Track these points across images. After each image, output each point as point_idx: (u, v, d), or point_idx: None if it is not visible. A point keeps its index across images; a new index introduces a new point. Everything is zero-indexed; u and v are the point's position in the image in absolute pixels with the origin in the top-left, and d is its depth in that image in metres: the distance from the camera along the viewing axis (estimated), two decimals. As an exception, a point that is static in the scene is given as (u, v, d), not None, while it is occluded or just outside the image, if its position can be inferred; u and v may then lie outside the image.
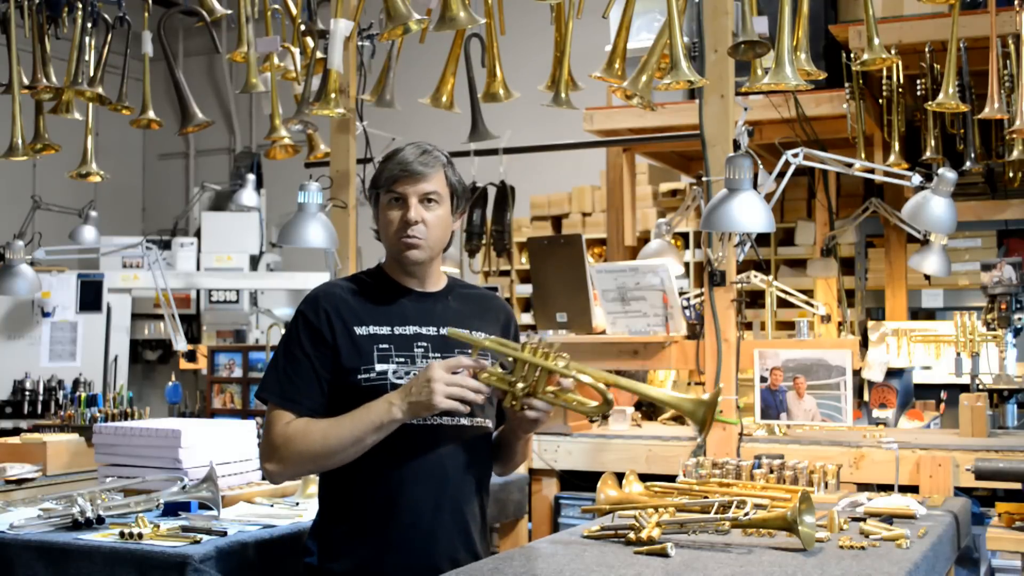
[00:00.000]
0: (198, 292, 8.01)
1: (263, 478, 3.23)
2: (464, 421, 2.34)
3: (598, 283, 4.15)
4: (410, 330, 2.36)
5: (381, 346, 2.32)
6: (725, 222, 3.08)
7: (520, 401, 2.25)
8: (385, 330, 2.34)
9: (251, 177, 8.12)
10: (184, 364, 7.17)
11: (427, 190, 2.36)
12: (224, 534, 2.50)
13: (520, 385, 2.24)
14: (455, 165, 2.45)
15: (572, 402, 2.27)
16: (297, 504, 2.92)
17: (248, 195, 7.96)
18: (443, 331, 2.37)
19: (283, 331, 2.46)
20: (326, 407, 2.31)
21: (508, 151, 4.94)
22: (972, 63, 4.41)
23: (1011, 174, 4.94)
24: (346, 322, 2.33)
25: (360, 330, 2.33)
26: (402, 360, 2.32)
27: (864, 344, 4.98)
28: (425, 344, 2.35)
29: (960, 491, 3.47)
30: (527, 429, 2.36)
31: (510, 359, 2.28)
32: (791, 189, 4.95)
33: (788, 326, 5.46)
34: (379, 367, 2.30)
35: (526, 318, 7.72)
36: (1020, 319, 4.04)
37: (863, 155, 4.85)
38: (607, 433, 4.09)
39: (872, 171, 4.01)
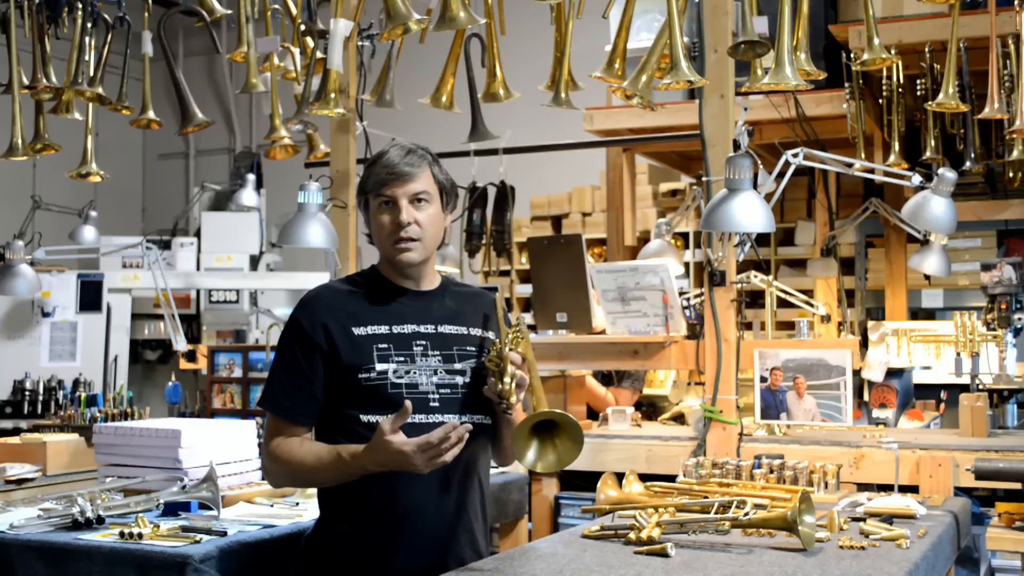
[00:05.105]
0: (198, 292, 8.00)
1: (263, 478, 3.24)
2: (466, 419, 2.33)
3: (598, 283, 4.15)
4: (408, 329, 2.36)
5: (380, 346, 2.32)
6: (725, 222, 3.08)
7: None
8: (383, 329, 2.34)
9: (251, 177, 8.11)
10: (184, 364, 7.17)
11: (416, 190, 2.36)
12: (224, 534, 2.50)
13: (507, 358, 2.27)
14: (441, 163, 2.46)
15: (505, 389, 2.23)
16: (297, 504, 2.92)
17: (248, 195, 7.95)
18: (441, 329, 2.38)
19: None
20: (321, 411, 2.34)
21: (508, 151, 4.94)
22: (972, 63, 4.41)
23: (1011, 174, 4.93)
24: (343, 323, 2.33)
25: (358, 330, 2.32)
26: (401, 359, 2.32)
27: (864, 344, 4.98)
28: (424, 343, 2.35)
29: (960, 491, 3.47)
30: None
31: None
32: (791, 189, 4.96)
33: (788, 326, 5.46)
34: (379, 367, 2.29)
35: (526, 318, 7.72)
36: (1020, 319, 4.04)
37: (863, 155, 4.85)
38: (607, 433, 4.09)
39: (872, 171, 4.01)
